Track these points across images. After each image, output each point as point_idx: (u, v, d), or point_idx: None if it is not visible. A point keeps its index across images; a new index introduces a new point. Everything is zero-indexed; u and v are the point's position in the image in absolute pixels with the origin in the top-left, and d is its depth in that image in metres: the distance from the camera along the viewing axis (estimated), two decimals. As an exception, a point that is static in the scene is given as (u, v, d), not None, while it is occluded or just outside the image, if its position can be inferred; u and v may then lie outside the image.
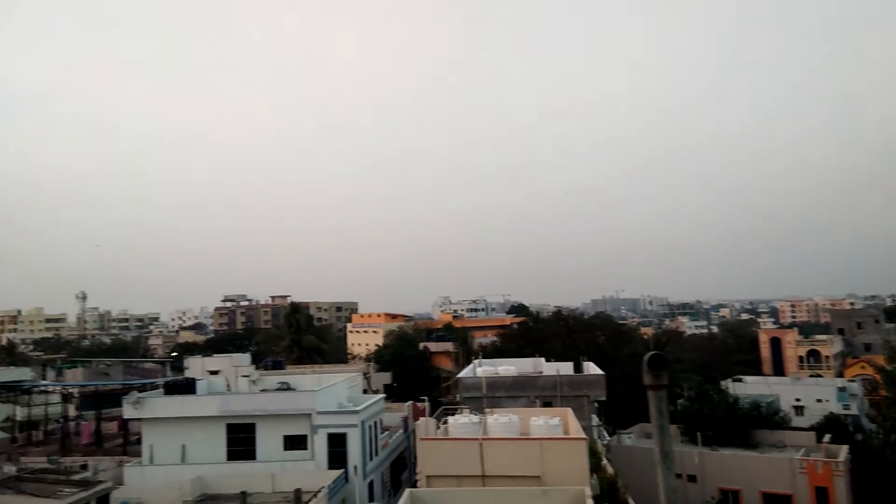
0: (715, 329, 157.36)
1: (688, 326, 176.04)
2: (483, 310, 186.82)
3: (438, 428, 27.19)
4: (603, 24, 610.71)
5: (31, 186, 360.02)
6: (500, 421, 25.70)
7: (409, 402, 46.30)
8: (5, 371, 73.10)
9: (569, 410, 28.76)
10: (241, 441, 33.68)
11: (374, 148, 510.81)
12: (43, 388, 54.61)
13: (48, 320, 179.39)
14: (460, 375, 41.20)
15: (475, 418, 26.91)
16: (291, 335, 70.22)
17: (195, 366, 61.52)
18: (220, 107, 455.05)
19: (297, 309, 76.16)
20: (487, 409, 29.44)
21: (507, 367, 41.80)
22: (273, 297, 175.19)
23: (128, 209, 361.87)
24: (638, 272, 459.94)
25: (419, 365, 72.13)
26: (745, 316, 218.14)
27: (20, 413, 54.05)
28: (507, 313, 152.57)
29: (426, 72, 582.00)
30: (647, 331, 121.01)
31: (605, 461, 28.46)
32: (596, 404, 37.25)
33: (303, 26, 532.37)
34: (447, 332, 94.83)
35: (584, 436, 24.49)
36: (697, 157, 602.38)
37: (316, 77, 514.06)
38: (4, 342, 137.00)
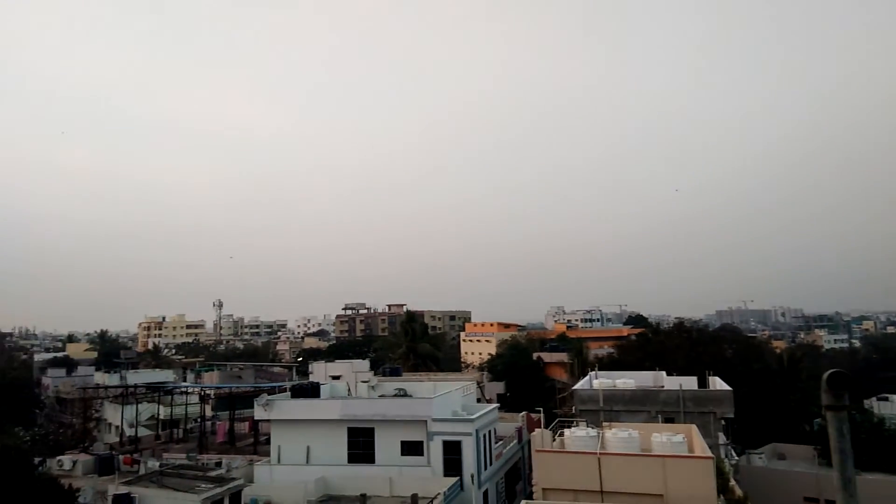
0: (857, 343, 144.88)
1: (825, 340, 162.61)
2: (598, 320, 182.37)
3: (554, 440, 26.71)
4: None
5: (173, 205, 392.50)
6: (619, 436, 24.88)
7: (523, 413, 45.87)
8: (152, 373, 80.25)
9: (693, 427, 27.38)
10: (361, 444, 34.76)
11: (493, 165, 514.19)
12: (183, 390, 58.98)
13: (188, 326, 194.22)
14: (576, 387, 40.31)
15: (592, 432, 26.21)
16: (407, 343, 71.76)
17: (319, 370, 64.51)
18: (345, 131, 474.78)
19: (412, 317, 77.78)
20: (605, 423, 28.59)
21: (626, 380, 40.39)
22: (389, 306, 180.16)
23: (258, 225, 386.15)
24: (768, 282, 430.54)
25: (532, 375, 71.27)
26: (891, 329, 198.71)
27: (163, 412, 58.89)
28: (625, 324, 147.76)
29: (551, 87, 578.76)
30: (780, 344, 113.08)
31: (733, 482, 26.79)
32: (723, 422, 35.14)
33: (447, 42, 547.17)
34: (561, 342, 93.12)
35: (710, 454, 23.18)
36: (831, 158, 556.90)
37: (433, 94, 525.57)
38: (151, 346, 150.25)
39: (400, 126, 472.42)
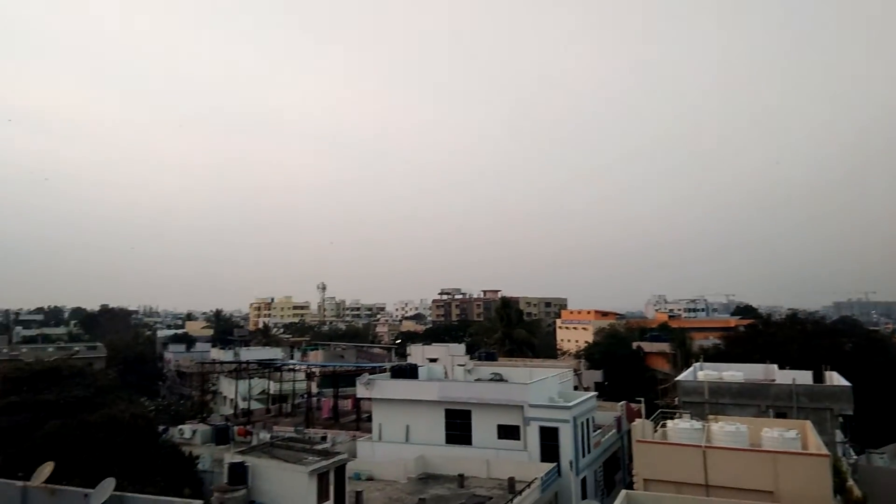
0: None
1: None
2: (703, 310, 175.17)
3: (656, 431, 26.10)
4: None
5: (281, 192, 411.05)
6: (727, 429, 23.98)
7: (623, 402, 45.00)
8: (262, 350, 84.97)
9: (808, 423, 25.96)
10: (458, 426, 35.35)
11: (587, 148, 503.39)
12: (291, 367, 62.01)
13: (295, 307, 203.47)
14: (679, 378, 39.09)
15: (697, 424, 25.43)
16: (503, 328, 71.94)
17: (416, 353, 65.96)
18: (459, 125, 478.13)
19: (507, 303, 77.87)
20: (710, 416, 27.63)
21: (734, 373, 38.70)
22: (485, 292, 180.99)
23: (358, 213, 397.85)
24: (893, 272, 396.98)
25: (631, 365, 69.73)
26: None
27: (273, 387, 62.25)
28: (732, 315, 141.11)
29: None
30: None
31: (850, 482, 25.18)
32: (840, 419, 33.00)
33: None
34: (662, 332, 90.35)
35: (826, 452, 21.90)
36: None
37: (526, 81, 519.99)
38: (261, 325, 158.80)
39: (490, 115, 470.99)
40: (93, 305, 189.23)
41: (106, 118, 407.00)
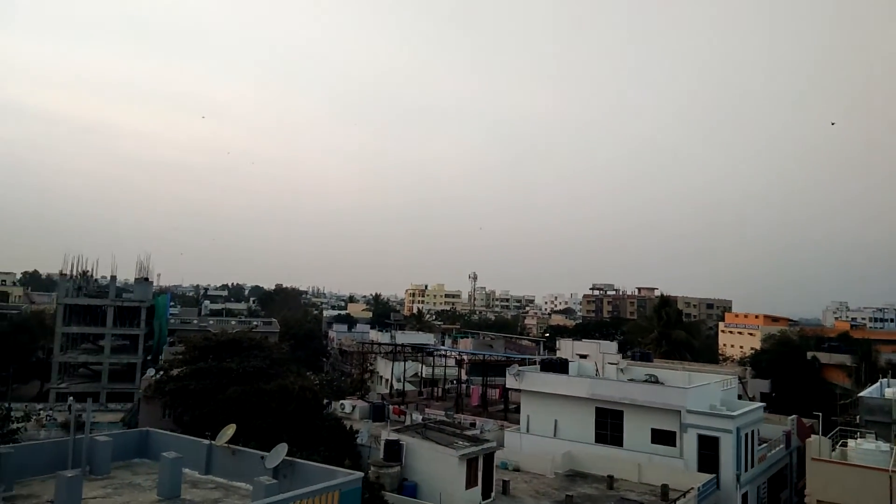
0: None
1: None
2: (892, 320, 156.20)
3: (833, 450, 23.75)
4: None
5: (435, 183, 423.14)
6: (920, 456, 21.24)
7: (793, 416, 41.40)
8: (416, 335, 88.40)
9: None
10: (608, 426, 34.48)
11: (755, 141, 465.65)
12: (442, 353, 63.96)
13: (447, 295, 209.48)
14: (862, 394, 35.21)
15: (884, 446, 22.80)
16: (660, 328, 68.87)
17: (566, 348, 65.23)
18: (605, 106, 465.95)
19: (667, 302, 74.33)
20: (901, 439, 24.63)
21: (931, 393, 34.19)
22: (639, 289, 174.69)
23: (512, 203, 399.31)
24: None
25: (804, 376, 63.77)
26: None
27: (425, 371, 64.59)
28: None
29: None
30: None
31: None
32: None
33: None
34: (843, 342, 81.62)
35: None
36: None
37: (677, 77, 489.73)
38: (415, 311, 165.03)
39: (660, 101, 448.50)
40: (269, 284, 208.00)
41: (274, 109, 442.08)
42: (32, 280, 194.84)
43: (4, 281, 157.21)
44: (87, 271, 75.75)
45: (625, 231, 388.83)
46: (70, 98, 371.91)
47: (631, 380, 39.02)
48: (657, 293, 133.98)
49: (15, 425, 31.97)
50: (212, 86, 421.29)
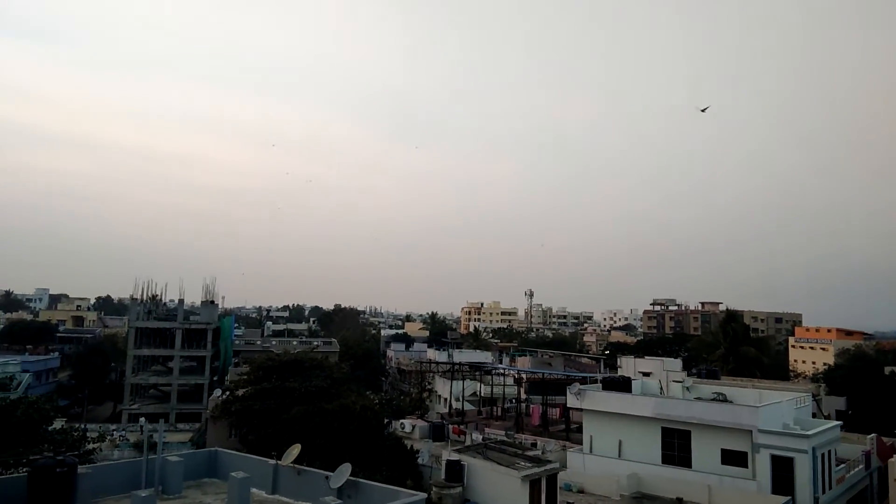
0: None
1: None
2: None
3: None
4: None
5: (489, 200, 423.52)
6: None
7: (872, 435, 39.22)
8: (473, 353, 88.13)
9: None
10: (675, 446, 33.44)
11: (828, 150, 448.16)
12: (500, 371, 63.40)
13: (503, 313, 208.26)
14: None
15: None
16: (727, 344, 66.62)
17: (627, 365, 63.68)
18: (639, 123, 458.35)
19: (733, 317, 71.96)
20: None
21: None
22: (703, 304, 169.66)
23: (566, 219, 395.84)
24: None
25: (883, 392, 60.47)
26: None
27: (483, 390, 64.14)
28: None
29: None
30: None
31: None
32: None
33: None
34: (926, 356, 77.18)
35: None
36: None
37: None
38: (472, 329, 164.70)
39: (718, 108, 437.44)
40: (327, 304, 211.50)
41: (338, 136, 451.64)
42: (105, 305, 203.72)
43: (80, 306, 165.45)
44: (157, 295, 78.68)
45: (684, 244, 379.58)
46: (135, 131, 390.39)
47: (698, 398, 37.83)
48: (722, 308, 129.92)
49: (91, 446, 33.22)
50: (273, 112, 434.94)
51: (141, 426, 21.23)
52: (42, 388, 69.49)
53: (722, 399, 37.46)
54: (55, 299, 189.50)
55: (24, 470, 19.26)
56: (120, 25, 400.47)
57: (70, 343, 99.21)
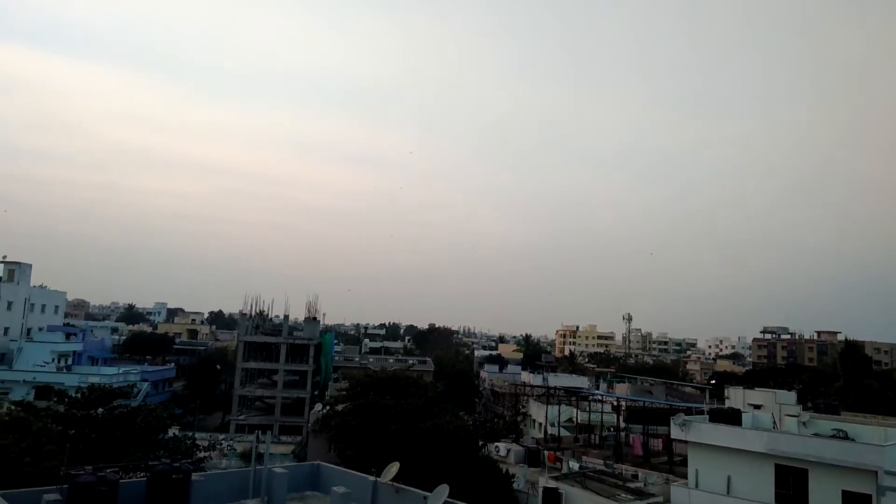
0: None
1: None
2: None
3: None
4: None
5: (588, 221, 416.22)
6: None
7: None
8: (568, 378, 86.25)
9: None
10: (790, 486, 31.16)
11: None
12: (598, 398, 61.66)
13: (599, 337, 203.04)
14: None
15: None
16: (847, 377, 61.79)
17: (735, 396, 60.10)
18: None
19: (853, 348, 66.77)
20: None
21: None
22: (819, 332, 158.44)
23: (669, 242, 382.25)
24: None
25: None
26: None
27: (580, 416, 62.55)
28: None
29: None
30: None
31: None
32: None
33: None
34: None
35: None
36: None
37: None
38: (567, 353, 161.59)
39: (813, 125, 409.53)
40: (422, 324, 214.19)
41: (425, 153, 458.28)
42: (217, 319, 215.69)
43: (194, 320, 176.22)
44: (264, 311, 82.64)
45: (799, 268, 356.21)
46: (247, 153, 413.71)
47: (816, 434, 35.15)
48: (840, 337, 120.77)
49: (201, 454, 34.98)
50: (369, 135, 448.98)
51: (256, 436, 22.13)
52: (159, 396, 74.25)
53: (843, 436, 34.63)
54: (172, 313, 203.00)
55: (143, 475, 20.50)
56: (236, 56, 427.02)
57: (184, 355, 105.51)
